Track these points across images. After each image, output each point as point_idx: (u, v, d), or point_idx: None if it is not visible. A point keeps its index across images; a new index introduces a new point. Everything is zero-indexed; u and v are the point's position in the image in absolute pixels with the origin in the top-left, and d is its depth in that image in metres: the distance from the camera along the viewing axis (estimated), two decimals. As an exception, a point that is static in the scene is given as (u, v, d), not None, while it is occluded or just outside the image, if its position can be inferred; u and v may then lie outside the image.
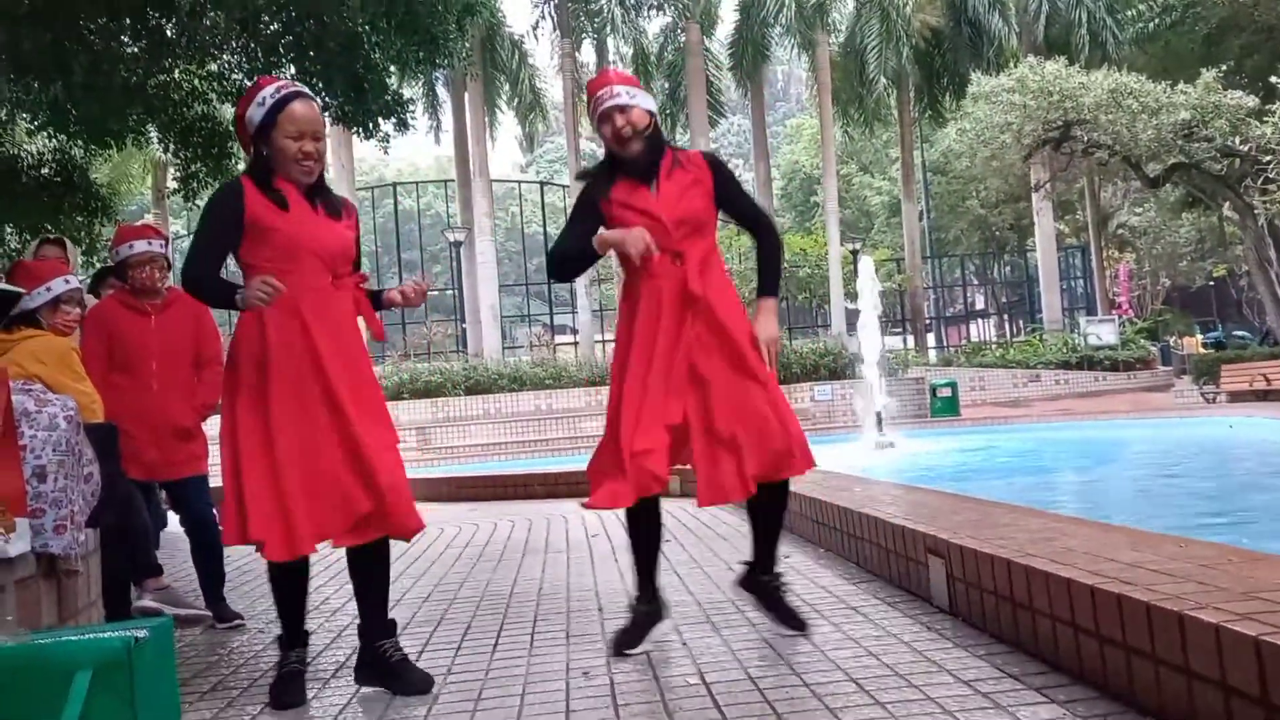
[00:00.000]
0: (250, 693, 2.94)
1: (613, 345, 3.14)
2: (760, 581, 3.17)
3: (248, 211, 2.74)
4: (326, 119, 9.39)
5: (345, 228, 2.91)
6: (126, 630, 2.08)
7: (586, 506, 3.01)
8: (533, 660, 3.03)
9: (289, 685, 2.80)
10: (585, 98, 3.15)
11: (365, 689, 2.86)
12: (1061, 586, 2.45)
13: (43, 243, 4.82)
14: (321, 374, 2.73)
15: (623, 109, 3.03)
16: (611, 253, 3.09)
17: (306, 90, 2.90)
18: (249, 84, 9.26)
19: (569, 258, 3.15)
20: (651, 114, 3.10)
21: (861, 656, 2.75)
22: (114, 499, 3.28)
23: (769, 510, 3.14)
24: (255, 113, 2.78)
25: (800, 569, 4.17)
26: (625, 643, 2.99)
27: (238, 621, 4.00)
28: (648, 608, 3.09)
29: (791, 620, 3.08)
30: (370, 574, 2.86)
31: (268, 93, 2.78)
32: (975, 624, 2.97)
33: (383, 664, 2.80)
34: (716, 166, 3.16)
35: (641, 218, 3.01)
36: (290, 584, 2.85)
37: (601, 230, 3.03)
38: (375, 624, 2.85)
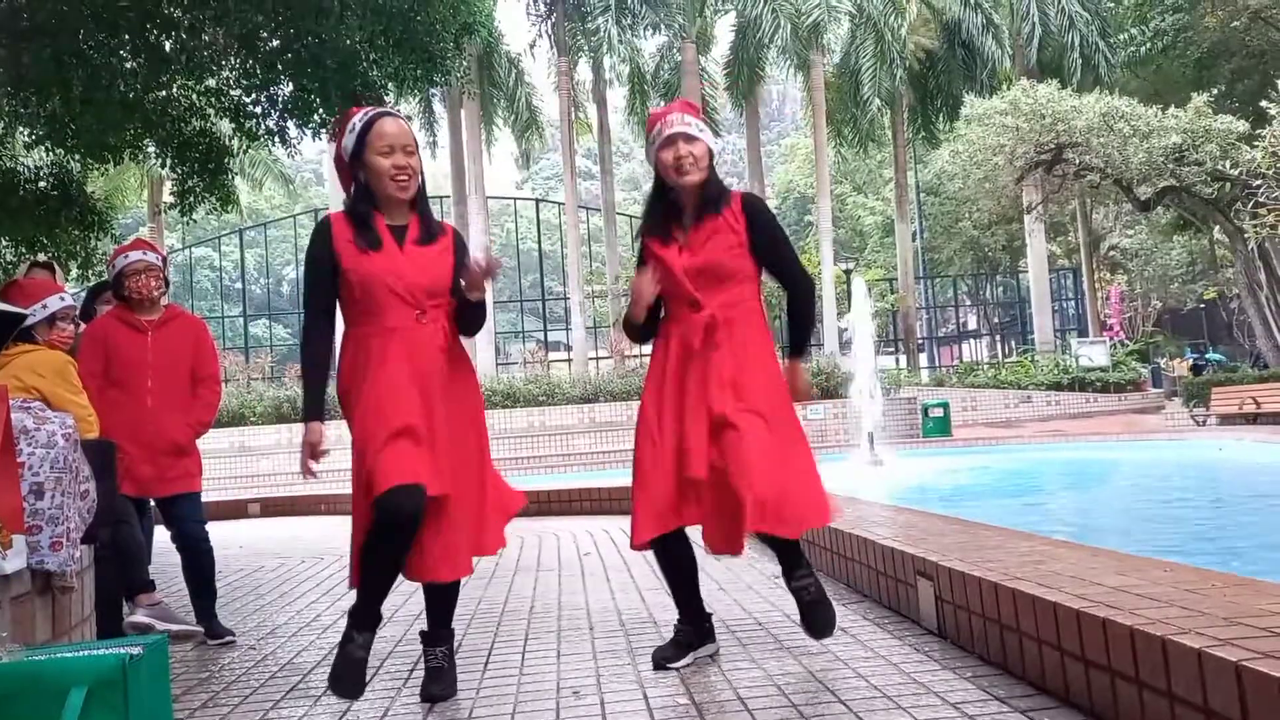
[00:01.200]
0: (242, 710, 2.95)
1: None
2: (792, 589, 3.10)
3: (336, 252, 2.82)
4: (323, 135, 9.46)
5: (438, 255, 2.87)
6: (121, 647, 2.09)
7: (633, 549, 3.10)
8: (524, 679, 3.04)
9: (350, 671, 2.77)
10: (647, 129, 3.12)
11: (355, 705, 2.87)
12: (1048, 610, 2.47)
13: (33, 266, 4.85)
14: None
15: (689, 138, 2.99)
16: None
17: (394, 110, 2.94)
18: (246, 100, 9.42)
19: (634, 328, 3.20)
20: (712, 154, 3.06)
21: (850, 678, 2.77)
22: (109, 515, 3.29)
23: (776, 543, 3.08)
24: (348, 141, 2.83)
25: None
26: (663, 658, 3.01)
27: (229, 638, 4.01)
28: (688, 627, 3.09)
29: (813, 629, 3.05)
30: (436, 590, 2.95)
31: (356, 119, 2.84)
32: (963, 646, 3.00)
33: (425, 664, 2.95)
34: (753, 212, 3.07)
35: (657, 263, 3.06)
36: (394, 549, 2.74)
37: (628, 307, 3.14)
38: (428, 628, 2.96)
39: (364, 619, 2.81)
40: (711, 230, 3.02)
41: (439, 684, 2.88)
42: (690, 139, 2.99)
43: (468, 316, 2.91)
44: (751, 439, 2.89)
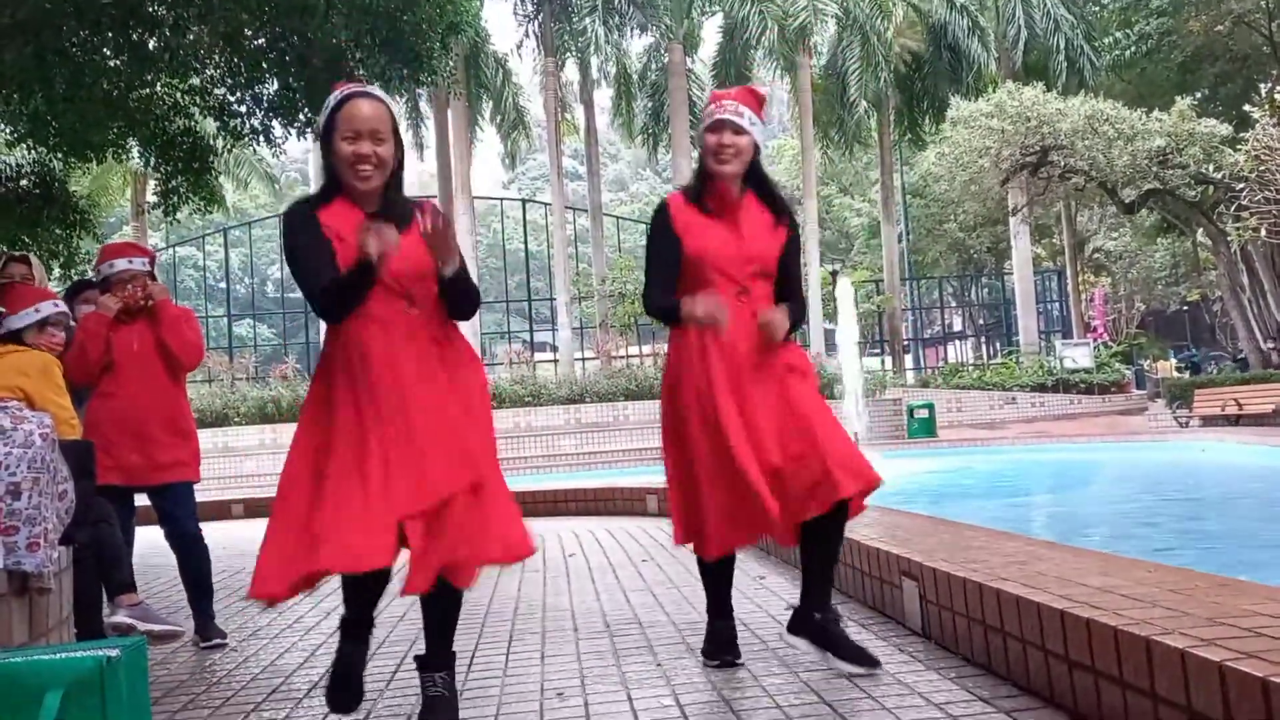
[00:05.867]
0: (223, 712, 2.93)
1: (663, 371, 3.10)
2: (815, 622, 2.95)
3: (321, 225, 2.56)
4: (308, 135, 9.41)
5: (414, 237, 2.53)
6: (99, 649, 2.07)
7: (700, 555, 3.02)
8: (507, 680, 3.03)
9: (339, 685, 2.61)
10: (705, 107, 3.07)
11: (334, 715, 2.82)
12: (1032, 610, 2.48)
13: (9, 261, 4.78)
14: (383, 419, 2.47)
15: (737, 129, 2.93)
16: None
17: (375, 90, 2.62)
18: (231, 99, 9.37)
19: (672, 312, 2.96)
20: (758, 150, 3.01)
21: (835, 679, 2.77)
22: (88, 516, 3.26)
23: (822, 539, 2.95)
24: (322, 118, 2.60)
25: (776, 590, 4.19)
26: (727, 655, 3.01)
27: (218, 641, 3.97)
28: (725, 622, 3.08)
29: (861, 658, 2.84)
30: (433, 604, 2.62)
31: (332, 97, 2.59)
32: (947, 646, 3.00)
33: (422, 693, 2.63)
34: (794, 225, 3.11)
35: (715, 245, 2.95)
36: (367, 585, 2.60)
37: (685, 304, 2.88)
38: (425, 649, 2.66)
39: (348, 628, 2.66)
40: (765, 226, 3.01)
41: (438, 716, 2.59)
42: (739, 130, 2.93)
43: (451, 298, 2.63)
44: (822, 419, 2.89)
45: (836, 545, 3.00)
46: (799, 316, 3.04)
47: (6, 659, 2.08)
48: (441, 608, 2.62)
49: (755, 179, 3.04)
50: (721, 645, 3.05)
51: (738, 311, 2.90)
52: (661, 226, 3.01)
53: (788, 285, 3.08)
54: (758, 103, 3.03)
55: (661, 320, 3.07)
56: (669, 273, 2.99)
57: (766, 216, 3.03)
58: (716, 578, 3.12)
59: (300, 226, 2.58)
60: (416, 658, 2.67)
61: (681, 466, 2.98)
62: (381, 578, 2.56)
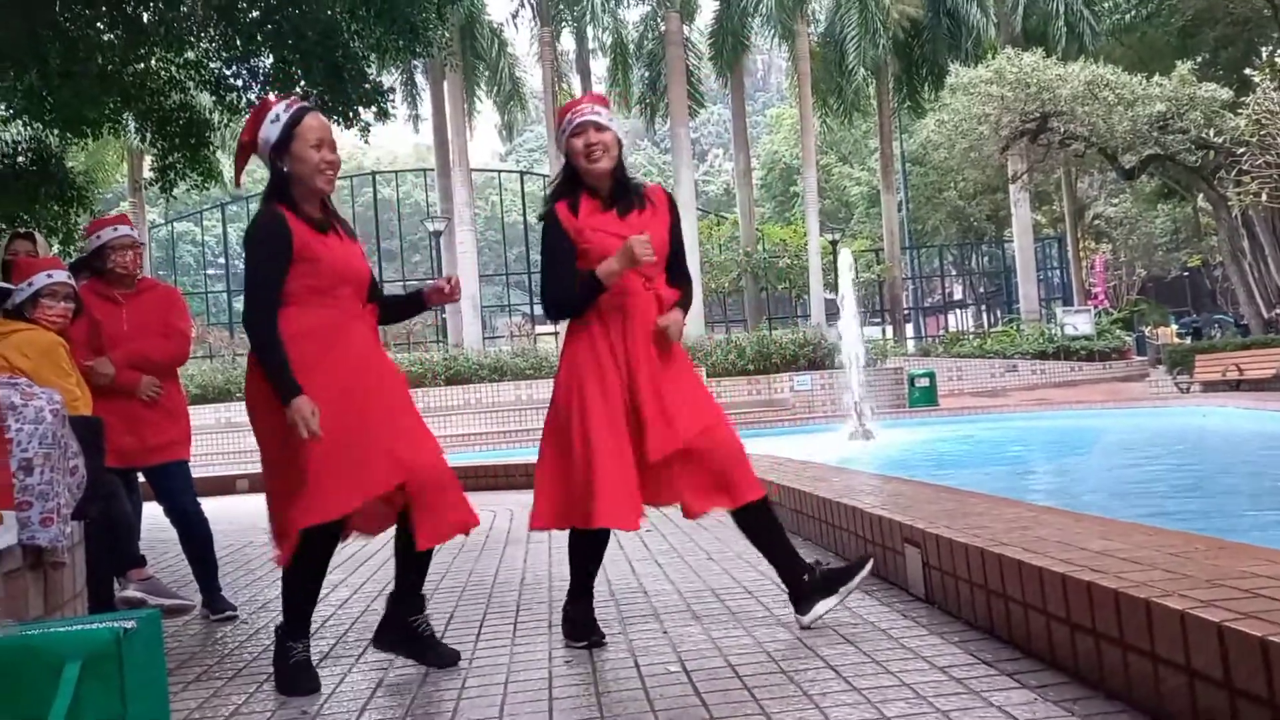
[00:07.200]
0: (235, 681, 2.97)
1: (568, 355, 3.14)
2: (802, 584, 3.06)
3: (295, 239, 2.79)
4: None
5: (362, 252, 3.05)
6: (115, 621, 2.10)
7: (542, 527, 3.16)
8: (515, 649, 3.07)
9: (307, 673, 2.83)
10: (558, 119, 3.17)
11: (349, 678, 2.89)
12: (1034, 574, 2.51)
13: (13, 238, 4.76)
14: (364, 409, 2.81)
15: (599, 127, 3.05)
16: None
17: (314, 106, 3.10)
18: (227, 72, 9.32)
19: (579, 300, 3.04)
20: (620, 143, 3.13)
21: (839, 644, 2.81)
22: (99, 491, 3.28)
23: (765, 530, 3.13)
24: (270, 130, 2.83)
25: (779, 558, 4.23)
26: (573, 634, 3.08)
27: (229, 613, 4.00)
28: (585, 602, 3.16)
29: (846, 575, 3.04)
30: (420, 558, 2.97)
31: (279, 109, 2.85)
32: (950, 611, 3.03)
33: (416, 637, 2.96)
34: (673, 204, 3.24)
35: (617, 241, 3.00)
36: (319, 573, 2.88)
37: (603, 265, 2.97)
38: (412, 598, 2.98)
39: (300, 629, 2.87)
40: (648, 215, 3.13)
41: (443, 645, 3.00)
42: (600, 128, 3.05)
43: (406, 313, 3.24)
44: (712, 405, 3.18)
45: (779, 528, 3.17)
46: (689, 299, 3.22)
47: (25, 632, 2.11)
48: (427, 561, 3.01)
49: (619, 175, 3.13)
50: (580, 626, 3.09)
51: (646, 300, 3.07)
52: (556, 234, 3.08)
53: (677, 265, 3.20)
54: (606, 104, 3.20)
55: (573, 309, 3.09)
56: (570, 273, 3.05)
57: (646, 207, 3.14)
58: (588, 555, 3.21)
59: (270, 243, 2.80)
60: (409, 603, 2.99)
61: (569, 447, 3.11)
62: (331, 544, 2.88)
